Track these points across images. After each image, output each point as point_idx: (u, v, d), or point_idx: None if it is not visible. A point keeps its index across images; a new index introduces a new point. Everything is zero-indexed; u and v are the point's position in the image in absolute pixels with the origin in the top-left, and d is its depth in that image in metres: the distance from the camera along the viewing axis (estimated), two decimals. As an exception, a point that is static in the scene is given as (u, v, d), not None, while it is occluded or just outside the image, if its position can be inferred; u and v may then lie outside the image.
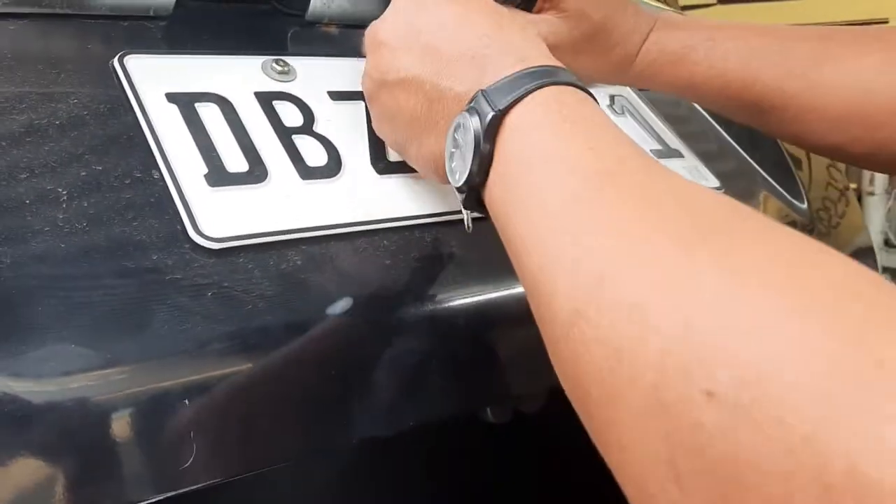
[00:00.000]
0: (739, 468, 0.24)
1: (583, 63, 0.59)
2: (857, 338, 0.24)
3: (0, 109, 0.44)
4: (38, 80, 0.46)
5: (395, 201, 0.51)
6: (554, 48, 0.44)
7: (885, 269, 2.60)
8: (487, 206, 0.41)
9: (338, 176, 0.50)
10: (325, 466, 0.57)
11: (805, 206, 0.78)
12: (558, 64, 0.42)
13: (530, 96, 0.39)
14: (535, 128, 0.38)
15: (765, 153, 0.79)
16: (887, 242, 2.58)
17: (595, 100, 0.40)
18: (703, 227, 0.30)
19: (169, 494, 0.38)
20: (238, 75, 0.52)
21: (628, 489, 0.28)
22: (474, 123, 0.40)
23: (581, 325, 0.30)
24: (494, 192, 0.40)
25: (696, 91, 0.60)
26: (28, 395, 0.35)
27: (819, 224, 0.82)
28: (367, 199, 0.50)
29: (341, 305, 0.44)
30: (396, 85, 0.46)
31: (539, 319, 0.34)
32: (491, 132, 0.39)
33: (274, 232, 0.45)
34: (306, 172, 0.49)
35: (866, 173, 2.53)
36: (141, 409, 0.37)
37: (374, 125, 0.52)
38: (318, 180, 0.49)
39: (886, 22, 2.15)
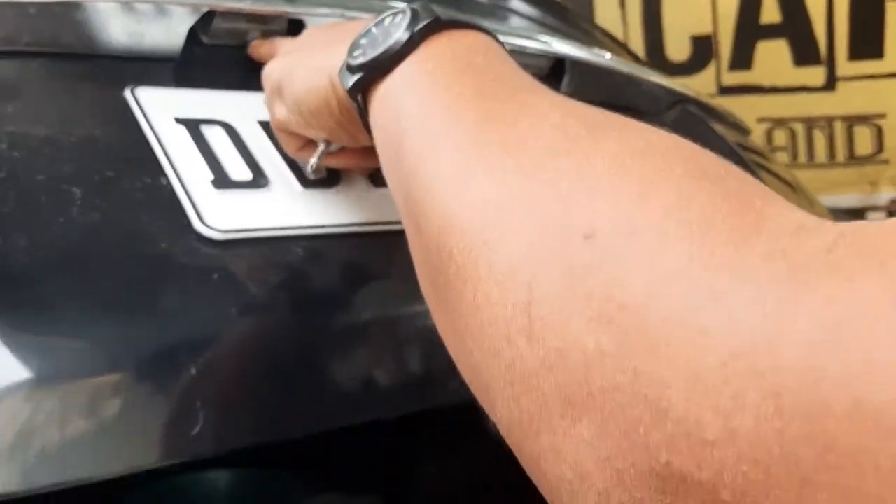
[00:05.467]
0: None
1: None
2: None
3: (22, 128, 0.47)
4: (56, 106, 0.50)
5: (390, 207, 0.53)
6: None
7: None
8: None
9: (336, 186, 0.53)
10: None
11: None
12: None
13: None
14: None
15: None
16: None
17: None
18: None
19: (179, 461, 0.39)
20: (243, 107, 0.56)
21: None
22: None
23: None
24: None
25: None
26: (43, 357, 0.37)
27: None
28: (362, 205, 0.52)
29: (337, 292, 0.46)
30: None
31: None
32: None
33: (276, 227, 0.47)
34: (306, 182, 0.52)
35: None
36: (151, 375, 0.39)
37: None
38: (318, 188, 0.52)
39: (884, 116, 2.20)
